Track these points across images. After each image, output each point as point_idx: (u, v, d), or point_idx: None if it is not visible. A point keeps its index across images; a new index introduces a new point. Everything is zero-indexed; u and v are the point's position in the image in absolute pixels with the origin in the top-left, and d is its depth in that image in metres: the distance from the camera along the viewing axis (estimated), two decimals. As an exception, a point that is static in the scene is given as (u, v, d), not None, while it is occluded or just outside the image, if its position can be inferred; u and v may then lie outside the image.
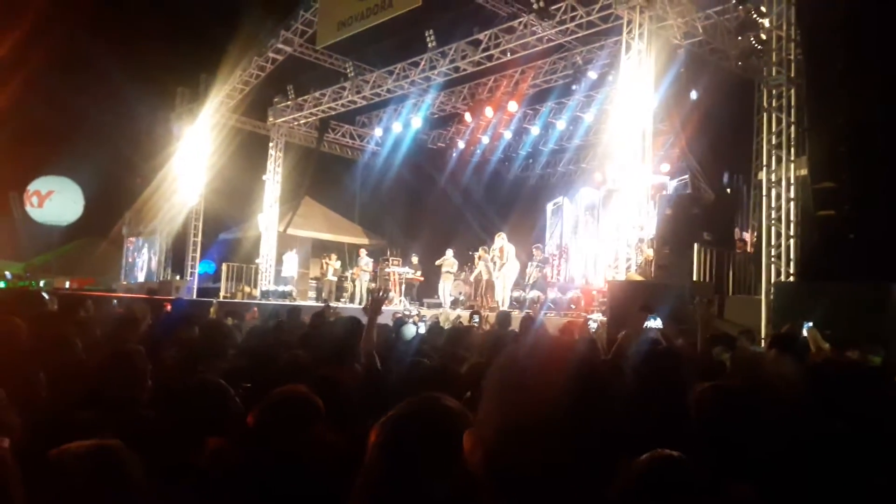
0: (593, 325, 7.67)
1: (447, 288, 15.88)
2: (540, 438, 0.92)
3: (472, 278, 15.48)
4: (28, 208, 23.85)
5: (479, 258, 15.04)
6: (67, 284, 19.97)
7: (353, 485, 1.32)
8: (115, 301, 11.39)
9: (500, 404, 0.98)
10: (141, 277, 19.98)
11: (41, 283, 16.82)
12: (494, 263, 14.29)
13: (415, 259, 17.16)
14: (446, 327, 7.75)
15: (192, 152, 18.40)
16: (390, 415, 1.36)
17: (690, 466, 1.74)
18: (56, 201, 23.80)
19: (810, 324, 6.39)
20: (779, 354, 3.67)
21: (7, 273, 20.23)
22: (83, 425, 2.22)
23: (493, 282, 14.46)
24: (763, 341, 8.46)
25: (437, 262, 16.04)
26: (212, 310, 10.17)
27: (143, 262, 20.46)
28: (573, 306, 13.14)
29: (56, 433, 1.85)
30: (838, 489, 1.95)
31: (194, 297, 17.55)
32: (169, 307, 9.41)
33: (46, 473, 1.52)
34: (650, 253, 11.25)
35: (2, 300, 7.37)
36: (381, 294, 4.60)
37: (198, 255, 19.19)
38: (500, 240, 14.37)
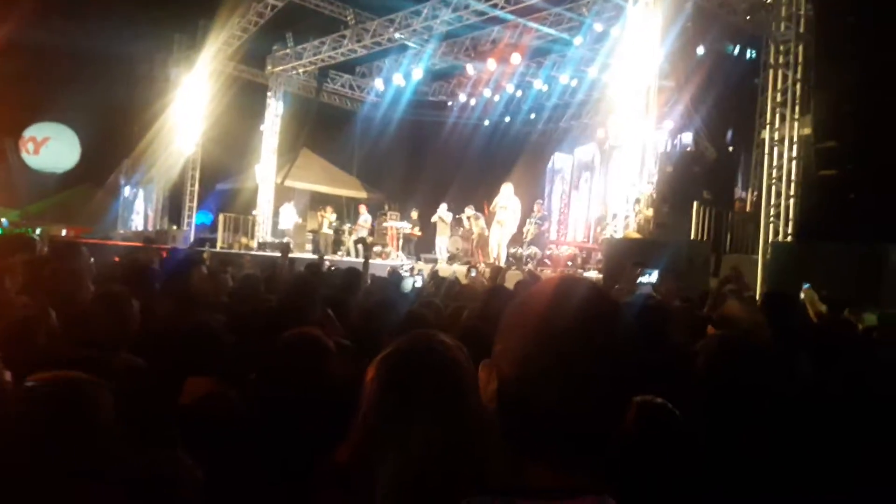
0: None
1: (444, 243, 15.86)
2: (557, 370, 0.93)
3: (461, 232, 15.49)
4: (24, 155, 23.62)
5: (468, 218, 14.94)
6: (64, 232, 19.91)
7: (353, 421, 1.32)
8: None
9: (518, 338, 0.99)
10: (138, 226, 19.94)
11: (37, 231, 16.79)
12: (503, 208, 13.69)
13: (414, 214, 17.08)
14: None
15: (190, 100, 18.15)
16: (388, 351, 1.35)
17: (674, 412, 1.74)
18: (52, 148, 23.54)
19: (807, 285, 6.39)
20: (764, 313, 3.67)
21: (3, 220, 20.15)
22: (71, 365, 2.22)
23: (486, 236, 14.30)
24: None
25: (433, 220, 15.96)
26: (205, 255, 10.21)
27: (139, 210, 20.38)
28: (570, 263, 13.15)
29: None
30: (825, 444, 1.96)
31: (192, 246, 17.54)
32: (165, 255, 9.41)
33: (19, 403, 1.53)
34: (648, 211, 11.19)
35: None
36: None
37: (195, 204, 19.12)
38: (508, 189, 13.74)
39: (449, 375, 1.30)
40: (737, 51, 13.20)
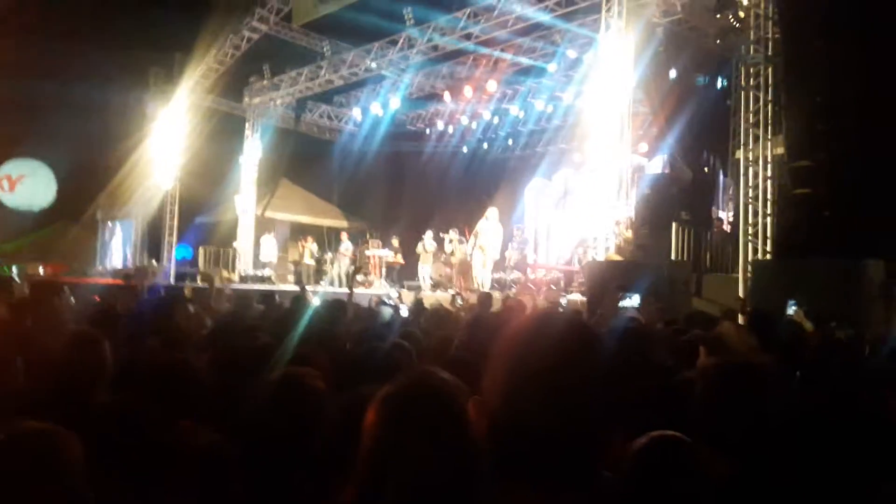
0: (563, 302, 7.78)
1: (426, 270, 15.81)
2: (541, 404, 0.98)
3: (444, 259, 15.45)
4: (-2, 193, 23.35)
5: (451, 241, 14.95)
6: (41, 270, 19.60)
7: (354, 462, 1.31)
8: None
9: (504, 371, 1.04)
10: (116, 263, 19.69)
11: (14, 269, 16.51)
12: (480, 234, 13.72)
13: (395, 241, 17.06)
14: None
15: (167, 134, 18.08)
16: (389, 391, 1.35)
17: (693, 449, 1.72)
18: (27, 185, 23.25)
19: (793, 302, 6.44)
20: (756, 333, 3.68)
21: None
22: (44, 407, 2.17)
23: (468, 262, 14.30)
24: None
25: (418, 250, 15.85)
26: (186, 291, 10.10)
27: (118, 246, 20.14)
28: (553, 286, 13.19)
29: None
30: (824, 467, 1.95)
31: (172, 282, 17.33)
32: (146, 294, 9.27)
33: None
34: (628, 233, 11.29)
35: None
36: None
37: (174, 239, 18.92)
38: (493, 213, 13.70)
39: (451, 413, 1.31)
40: (707, 80, 13.49)
